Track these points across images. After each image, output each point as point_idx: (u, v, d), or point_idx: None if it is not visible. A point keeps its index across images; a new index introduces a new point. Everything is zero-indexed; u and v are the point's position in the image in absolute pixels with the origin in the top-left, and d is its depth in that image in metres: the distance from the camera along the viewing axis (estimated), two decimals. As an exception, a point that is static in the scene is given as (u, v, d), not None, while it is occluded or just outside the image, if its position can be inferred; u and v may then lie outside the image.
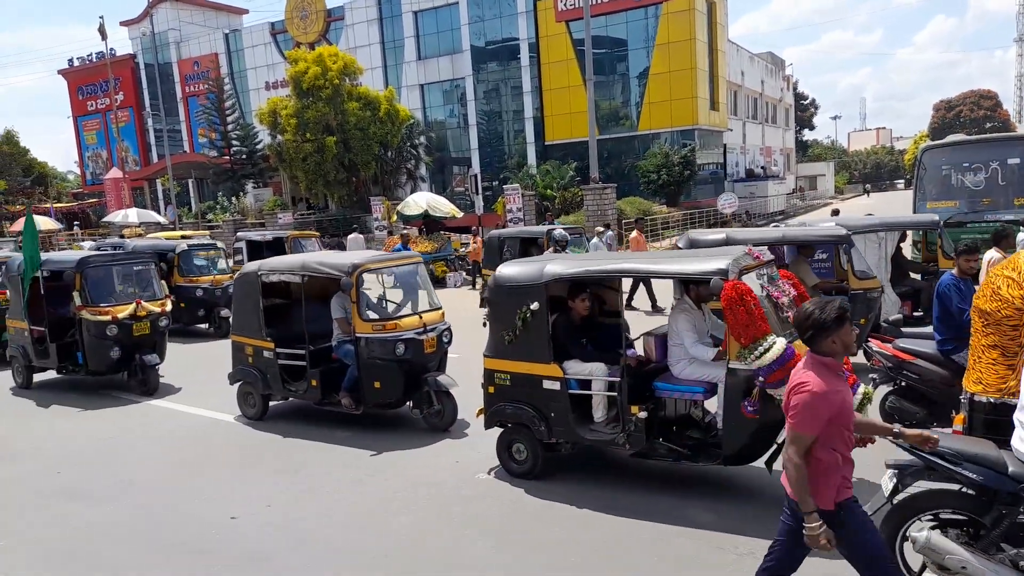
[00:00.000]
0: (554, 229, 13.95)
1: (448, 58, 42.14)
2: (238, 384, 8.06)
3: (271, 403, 8.04)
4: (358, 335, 7.02)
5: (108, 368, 9.35)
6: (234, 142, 39.80)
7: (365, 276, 7.19)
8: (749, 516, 5.05)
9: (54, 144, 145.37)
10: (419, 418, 7.40)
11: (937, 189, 13.25)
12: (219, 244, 15.42)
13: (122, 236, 25.08)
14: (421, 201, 23.84)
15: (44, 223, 33.64)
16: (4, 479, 6.75)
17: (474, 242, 20.17)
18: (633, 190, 34.39)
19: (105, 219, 34.46)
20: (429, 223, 22.71)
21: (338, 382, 7.38)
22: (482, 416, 6.13)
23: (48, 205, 43.98)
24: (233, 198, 38.92)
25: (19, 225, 33.57)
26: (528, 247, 14.44)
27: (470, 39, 41.30)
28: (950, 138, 15.38)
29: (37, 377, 10.29)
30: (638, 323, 7.16)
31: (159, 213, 38.97)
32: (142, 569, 4.86)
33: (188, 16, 53.01)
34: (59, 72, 56.62)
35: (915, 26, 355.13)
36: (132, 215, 30.87)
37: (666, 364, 5.73)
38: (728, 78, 42.43)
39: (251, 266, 8.07)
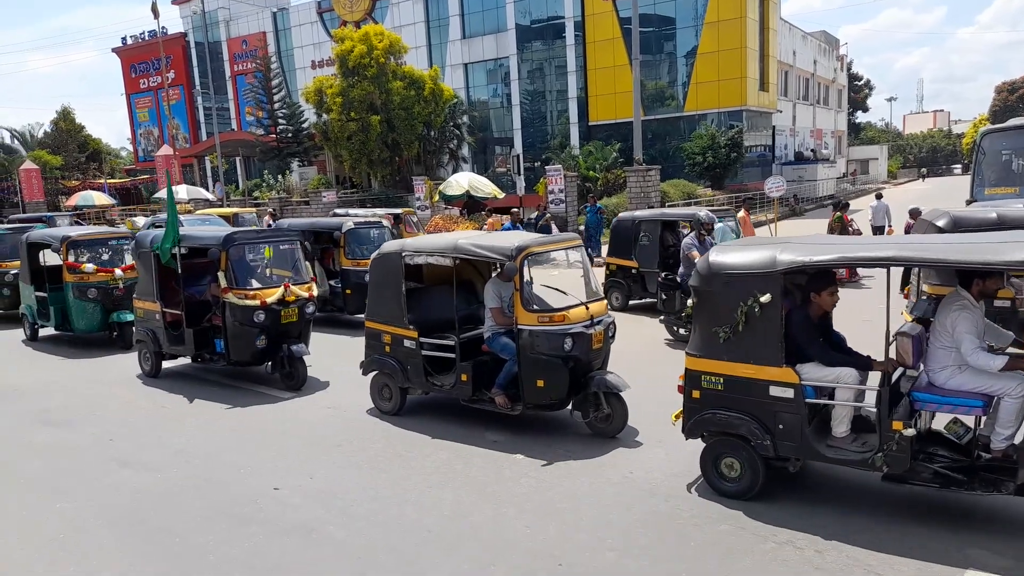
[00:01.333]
0: (698, 212, 11.74)
1: (492, 37, 41.88)
2: (372, 375, 7.43)
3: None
4: (521, 327, 6.24)
5: (252, 358, 8.43)
6: (280, 121, 40.30)
7: (528, 260, 6.37)
8: (790, 507, 4.98)
9: (108, 121, 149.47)
10: (582, 422, 6.60)
11: (996, 175, 12.69)
12: (384, 222, 13.89)
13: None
14: (463, 181, 23.90)
15: (98, 198, 34.72)
16: (66, 447, 7.02)
17: (489, 224, 20.17)
18: (678, 172, 33.87)
19: (156, 195, 35.30)
20: (470, 203, 22.74)
21: (489, 377, 6.70)
22: (679, 422, 5.47)
23: (102, 181, 45.31)
24: (279, 176, 39.50)
25: (75, 199, 34.73)
26: (667, 231, 12.45)
27: (515, 18, 40.96)
28: (1012, 121, 14.68)
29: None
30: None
31: (207, 190, 39.79)
32: (189, 535, 5.02)
33: (237, -5, 53.62)
34: (113, 50, 57.97)
35: (979, 4, 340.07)
36: (181, 191, 31.55)
37: (922, 370, 5.02)
38: (779, 58, 41.28)
39: (392, 246, 7.37)
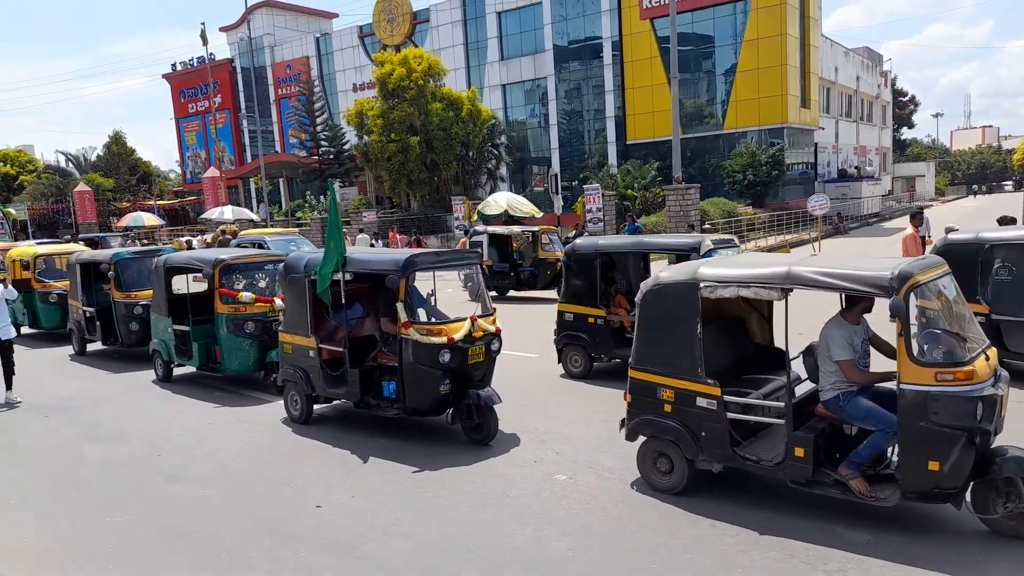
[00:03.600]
0: (700, 238, 9.36)
1: (530, 58, 42.28)
2: (641, 441, 5.76)
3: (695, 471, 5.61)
4: (909, 386, 4.56)
5: (432, 406, 6.88)
6: (322, 143, 41.17)
7: (915, 294, 4.68)
8: (836, 533, 4.84)
9: (157, 145, 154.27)
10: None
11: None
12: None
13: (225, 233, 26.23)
14: (501, 201, 24.07)
15: (148, 219, 35.80)
16: (116, 460, 7.20)
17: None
18: (717, 190, 33.59)
19: (202, 216, 36.27)
20: (509, 223, 22.84)
21: (826, 451, 5.15)
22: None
23: (152, 202, 46.74)
24: (321, 196, 40.26)
25: (126, 220, 35.83)
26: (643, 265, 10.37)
27: (553, 39, 41.30)
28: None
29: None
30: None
31: (252, 211, 40.75)
32: (234, 549, 5.09)
33: (282, 21, 55.17)
34: (163, 76, 60.02)
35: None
36: (228, 212, 32.38)
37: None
38: (821, 74, 40.80)
39: (680, 273, 5.59)
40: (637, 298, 5.82)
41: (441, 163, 34.16)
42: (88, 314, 12.14)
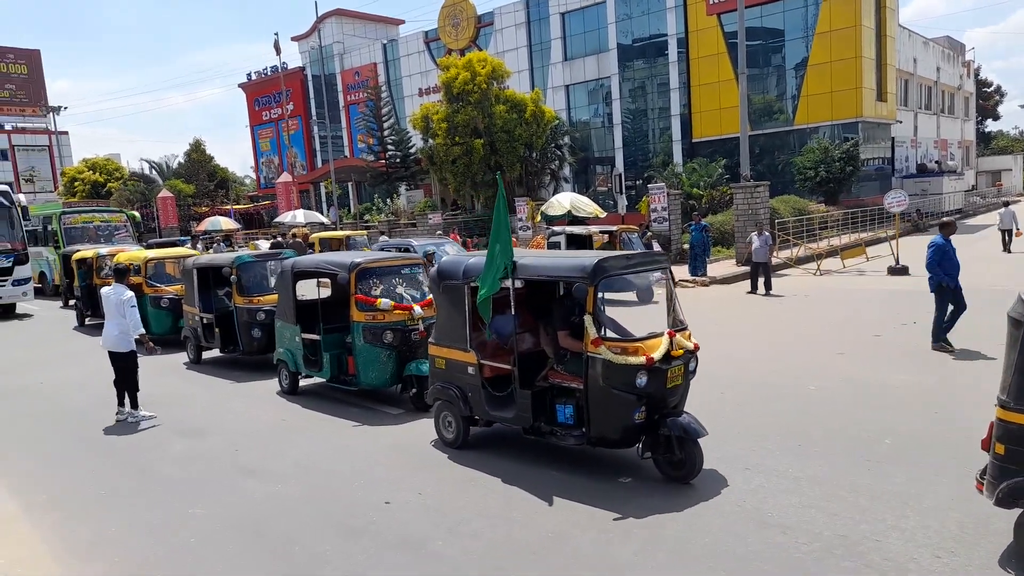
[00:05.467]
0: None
1: (594, 58, 42.03)
2: None
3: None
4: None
5: (623, 437, 5.94)
6: (389, 147, 41.96)
7: None
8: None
9: (233, 152, 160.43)
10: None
11: None
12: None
13: (291, 236, 27.06)
14: (565, 201, 24.02)
15: (225, 223, 37.24)
16: (196, 455, 7.54)
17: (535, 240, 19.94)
18: (788, 188, 32.63)
19: (276, 219, 37.49)
20: (572, 223, 22.77)
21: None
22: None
23: (228, 207, 48.60)
24: (388, 200, 41.06)
25: (205, 224, 37.35)
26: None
27: (617, 37, 40.94)
28: None
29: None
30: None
31: (322, 214, 41.89)
32: (310, 544, 5.26)
33: (351, 29, 56.53)
34: (239, 86, 62.32)
35: None
36: (300, 216, 33.39)
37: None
38: (898, 66, 39.12)
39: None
40: None
41: (505, 165, 34.34)
42: (206, 320, 11.62)
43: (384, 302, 8.43)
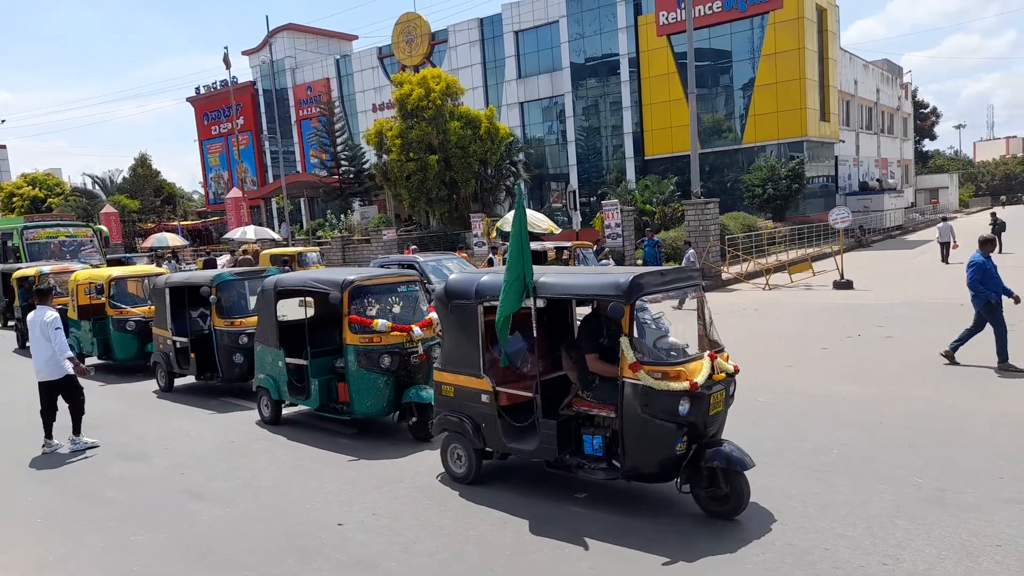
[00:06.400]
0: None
1: (548, 76, 42.56)
2: None
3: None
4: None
5: (662, 470, 5.39)
6: (343, 162, 41.63)
7: None
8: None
9: (181, 166, 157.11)
10: None
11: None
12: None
13: (239, 251, 26.51)
14: (520, 217, 24.08)
15: (172, 239, 36.36)
16: (139, 478, 7.28)
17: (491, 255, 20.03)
18: (736, 204, 33.45)
19: (225, 236, 36.75)
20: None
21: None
22: None
23: (176, 223, 47.49)
24: (341, 216, 40.66)
25: (151, 241, 36.40)
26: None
27: (570, 56, 41.57)
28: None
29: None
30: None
31: (273, 230, 41.23)
32: (259, 567, 5.11)
33: (303, 44, 56.12)
34: (187, 99, 61.17)
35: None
36: (250, 232, 32.82)
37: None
38: (840, 87, 40.62)
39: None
40: None
41: (460, 181, 34.38)
42: (179, 345, 10.67)
43: (381, 323, 7.67)
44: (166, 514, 6.23)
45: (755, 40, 36.02)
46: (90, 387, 7.97)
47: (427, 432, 7.39)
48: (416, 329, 7.79)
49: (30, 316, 8.15)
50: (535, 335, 5.82)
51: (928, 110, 72.69)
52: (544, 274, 5.92)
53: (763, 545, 4.94)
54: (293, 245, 33.14)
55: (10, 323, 18.73)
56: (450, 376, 6.41)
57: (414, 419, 7.69)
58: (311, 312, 8.90)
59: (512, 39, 43.58)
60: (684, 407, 5.13)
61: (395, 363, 7.60)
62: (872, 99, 48.78)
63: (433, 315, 7.90)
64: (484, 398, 6.10)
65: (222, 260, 28.06)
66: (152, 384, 11.36)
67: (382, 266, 15.82)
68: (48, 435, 8.20)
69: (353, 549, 5.31)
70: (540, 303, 6.06)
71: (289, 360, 8.44)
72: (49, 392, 8.08)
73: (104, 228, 29.58)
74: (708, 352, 5.51)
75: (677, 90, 36.63)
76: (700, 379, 5.18)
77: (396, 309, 8.18)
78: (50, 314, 7.99)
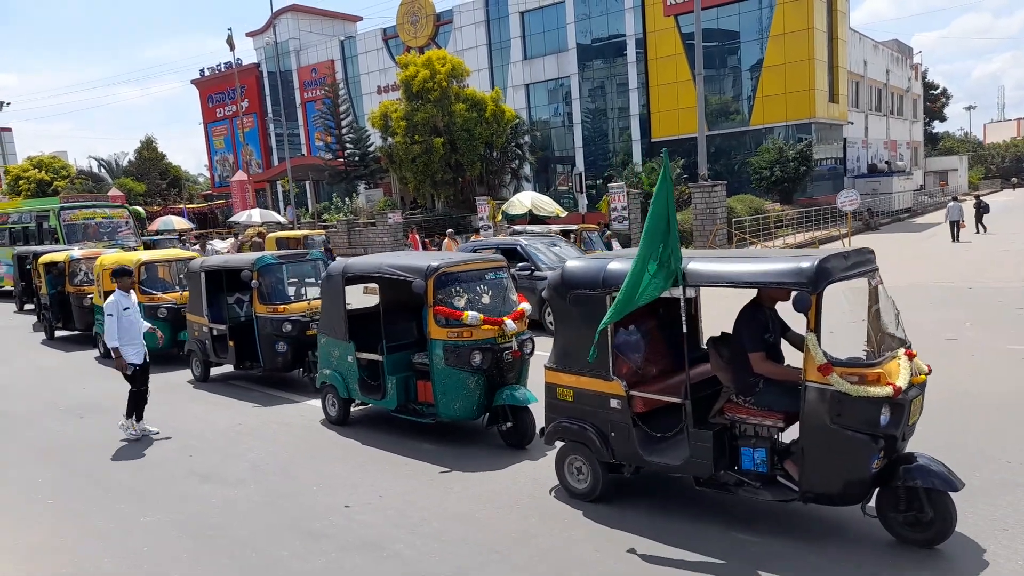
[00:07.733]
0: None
1: (554, 57, 42.23)
2: None
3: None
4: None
5: (852, 490, 4.57)
6: (348, 145, 41.50)
7: None
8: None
9: (187, 149, 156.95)
10: None
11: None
12: None
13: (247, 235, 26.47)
14: (526, 200, 24.07)
15: (178, 222, 36.36)
16: (150, 460, 7.33)
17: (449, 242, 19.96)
18: (744, 187, 33.25)
19: (231, 219, 36.76)
20: (533, 222, 22.83)
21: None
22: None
23: (181, 206, 47.49)
24: (347, 199, 40.62)
25: (156, 224, 36.43)
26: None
27: (576, 37, 41.21)
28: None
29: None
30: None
31: (279, 213, 41.21)
32: (265, 548, 5.15)
33: (307, 25, 55.78)
34: (192, 82, 61.00)
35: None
36: (255, 215, 32.80)
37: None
38: (849, 68, 40.18)
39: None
40: None
41: (465, 164, 34.26)
42: (216, 332, 10.06)
43: (472, 315, 6.72)
44: (175, 496, 6.27)
45: (763, 20, 35.62)
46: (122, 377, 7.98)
47: (523, 438, 6.79)
48: (508, 322, 6.88)
49: (108, 300, 7.84)
50: (685, 331, 4.93)
51: (938, 91, 71.90)
52: (692, 259, 5.06)
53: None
54: (299, 228, 33.12)
55: (27, 307, 18.55)
56: (568, 377, 5.55)
57: (508, 424, 6.84)
58: (375, 300, 8.13)
59: (518, 20, 43.21)
60: (885, 416, 4.32)
61: (487, 360, 6.72)
62: (882, 80, 48.29)
63: (525, 306, 7.36)
64: (614, 403, 5.26)
65: (222, 244, 27.95)
66: (186, 374, 10.81)
67: (474, 250, 13.33)
68: (139, 419, 8.02)
69: (360, 531, 5.33)
70: (690, 292, 5.23)
71: (361, 355, 7.58)
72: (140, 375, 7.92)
73: (141, 210, 28.89)
74: (904, 350, 4.72)
75: (684, 71, 36.29)
76: (902, 382, 4.39)
77: (485, 300, 7.28)
78: (128, 297, 7.95)
